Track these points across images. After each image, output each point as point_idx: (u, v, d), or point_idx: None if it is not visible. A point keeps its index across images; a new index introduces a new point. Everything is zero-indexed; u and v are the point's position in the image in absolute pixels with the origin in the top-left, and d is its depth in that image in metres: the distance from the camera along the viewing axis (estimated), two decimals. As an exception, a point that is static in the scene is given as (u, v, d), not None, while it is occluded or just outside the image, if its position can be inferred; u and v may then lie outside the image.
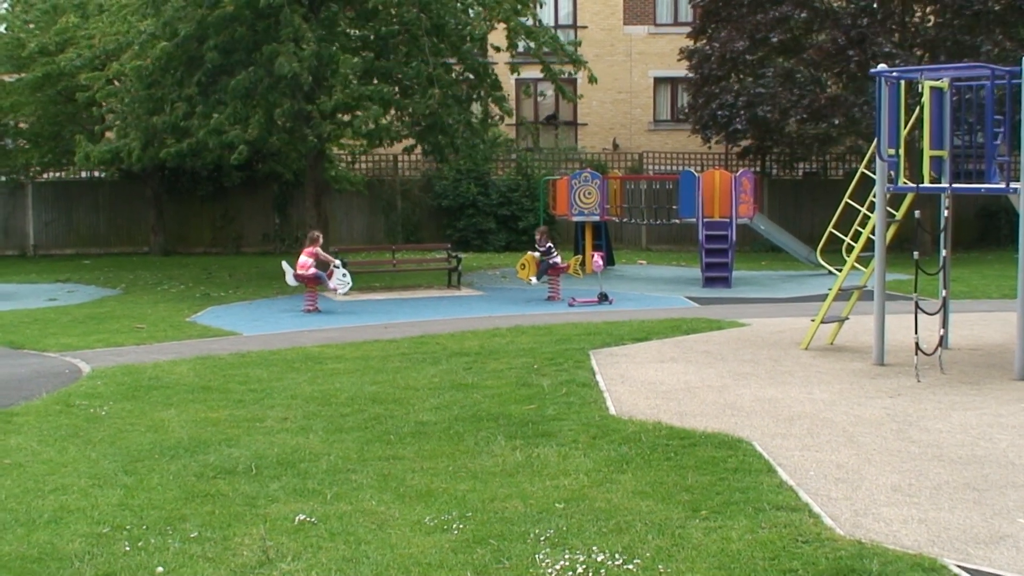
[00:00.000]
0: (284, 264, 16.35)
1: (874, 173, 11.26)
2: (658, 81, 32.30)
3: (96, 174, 27.91)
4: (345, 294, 17.28)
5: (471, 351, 11.70)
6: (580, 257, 19.02)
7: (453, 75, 20.08)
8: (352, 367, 10.88)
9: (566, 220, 23.19)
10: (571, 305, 16.59)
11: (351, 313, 16.08)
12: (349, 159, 28.33)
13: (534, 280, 17.53)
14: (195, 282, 20.75)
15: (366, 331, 13.79)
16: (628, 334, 12.70)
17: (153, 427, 8.37)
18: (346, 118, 19.90)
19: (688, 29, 28.09)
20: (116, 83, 20.63)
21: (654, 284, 20.35)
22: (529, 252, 18.09)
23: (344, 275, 16.72)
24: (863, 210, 12.12)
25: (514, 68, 20.93)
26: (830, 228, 12.93)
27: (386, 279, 21.03)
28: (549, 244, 17.70)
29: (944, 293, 10.78)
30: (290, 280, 16.33)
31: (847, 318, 12.31)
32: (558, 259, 17.72)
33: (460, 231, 27.73)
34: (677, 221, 22.03)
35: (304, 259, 16.43)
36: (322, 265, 16.71)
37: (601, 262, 17.48)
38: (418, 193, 28.64)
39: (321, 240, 16.80)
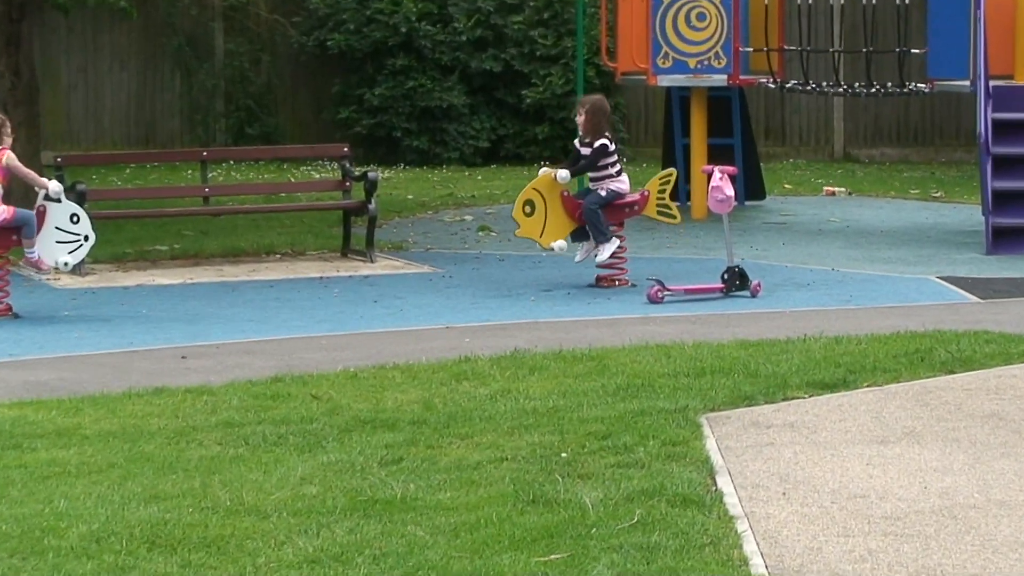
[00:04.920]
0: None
1: None
2: None
3: None
4: (68, 269, 17.47)
5: (402, 416, 11.82)
6: (672, 173, 19.30)
7: None
8: (97, 458, 10.95)
9: (644, 85, 23.31)
10: (654, 299, 16.87)
11: (97, 321, 16.32)
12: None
13: (561, 244, 17.85)
14: None
15: (134, 366, 13.95)
16: (797, 373, 12.90)
17: None
18: None
19: None
20: None
21: (864, 246, 20.58)
22: (545, 167, 18.28)
23: (76, 219, 16.87)
24: None
25: None
26: None
27: (187, 235, 21.17)
28: (604, 141, 17.93)
29: None
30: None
31: None
32: (622, 185, 17.97)
33: (373, 115, 28.16)
34: (924, 89, 22.10)
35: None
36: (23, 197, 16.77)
37: (731, 192, 17.67)
38: (269, 18, 28.80)
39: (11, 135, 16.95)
